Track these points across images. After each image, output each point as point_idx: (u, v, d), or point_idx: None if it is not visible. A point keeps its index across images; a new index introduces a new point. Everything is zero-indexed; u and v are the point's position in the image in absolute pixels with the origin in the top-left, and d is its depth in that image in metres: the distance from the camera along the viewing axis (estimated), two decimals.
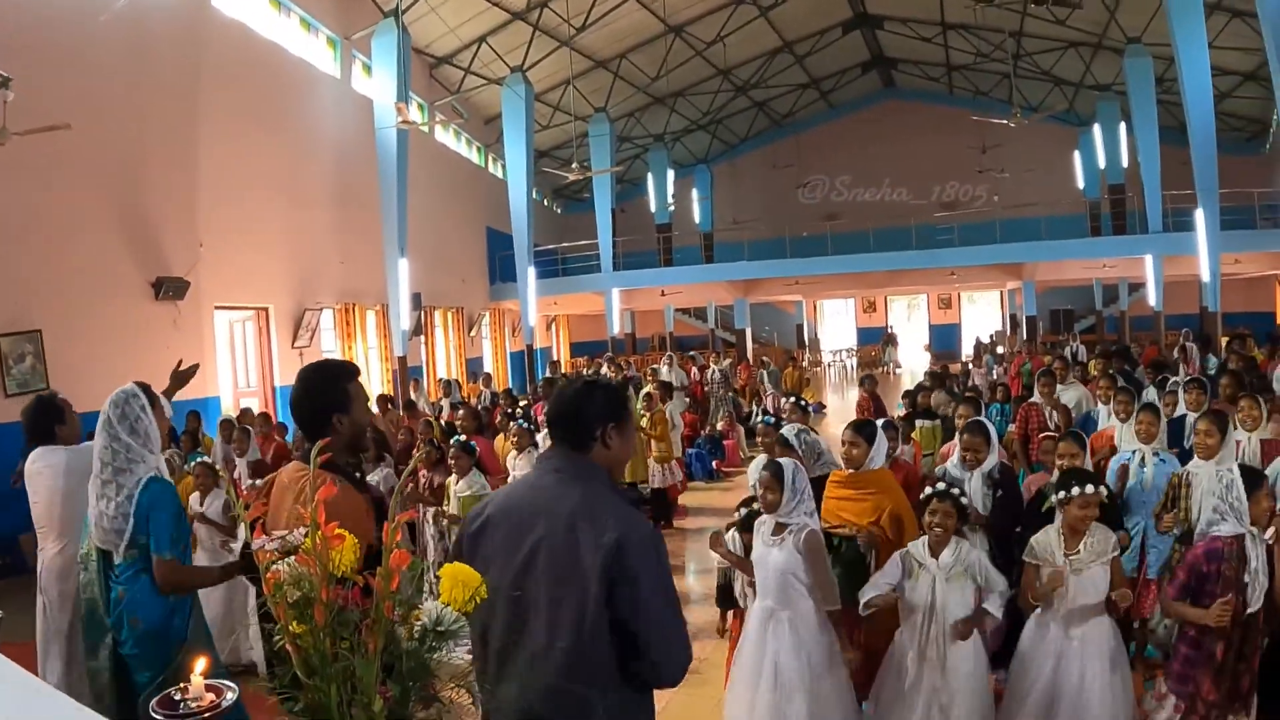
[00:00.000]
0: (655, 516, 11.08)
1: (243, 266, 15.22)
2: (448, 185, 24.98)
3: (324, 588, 1.90)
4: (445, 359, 24.61)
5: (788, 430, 5.98)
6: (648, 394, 11.99)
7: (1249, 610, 4.03)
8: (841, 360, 36.59)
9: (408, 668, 1.93)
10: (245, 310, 16.05)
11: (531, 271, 24.72)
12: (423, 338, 22.12)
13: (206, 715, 1.87)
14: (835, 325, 41.21)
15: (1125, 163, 26.95)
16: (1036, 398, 9.04)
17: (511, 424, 8.79)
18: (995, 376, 15.90)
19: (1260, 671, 4.19)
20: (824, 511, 5.01)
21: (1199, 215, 21.20)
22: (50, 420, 4.94)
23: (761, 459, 6.28)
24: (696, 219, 34.17)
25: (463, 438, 7.53)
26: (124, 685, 3.90)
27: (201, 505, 6.74)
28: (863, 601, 4.36)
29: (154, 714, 1.87)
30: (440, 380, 20.25)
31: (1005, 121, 21.26)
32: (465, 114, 25.03)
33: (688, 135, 34.22)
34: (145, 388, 4.04)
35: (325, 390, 3.09)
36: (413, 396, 15.99)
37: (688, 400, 16.92)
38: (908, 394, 11.78)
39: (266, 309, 16.29)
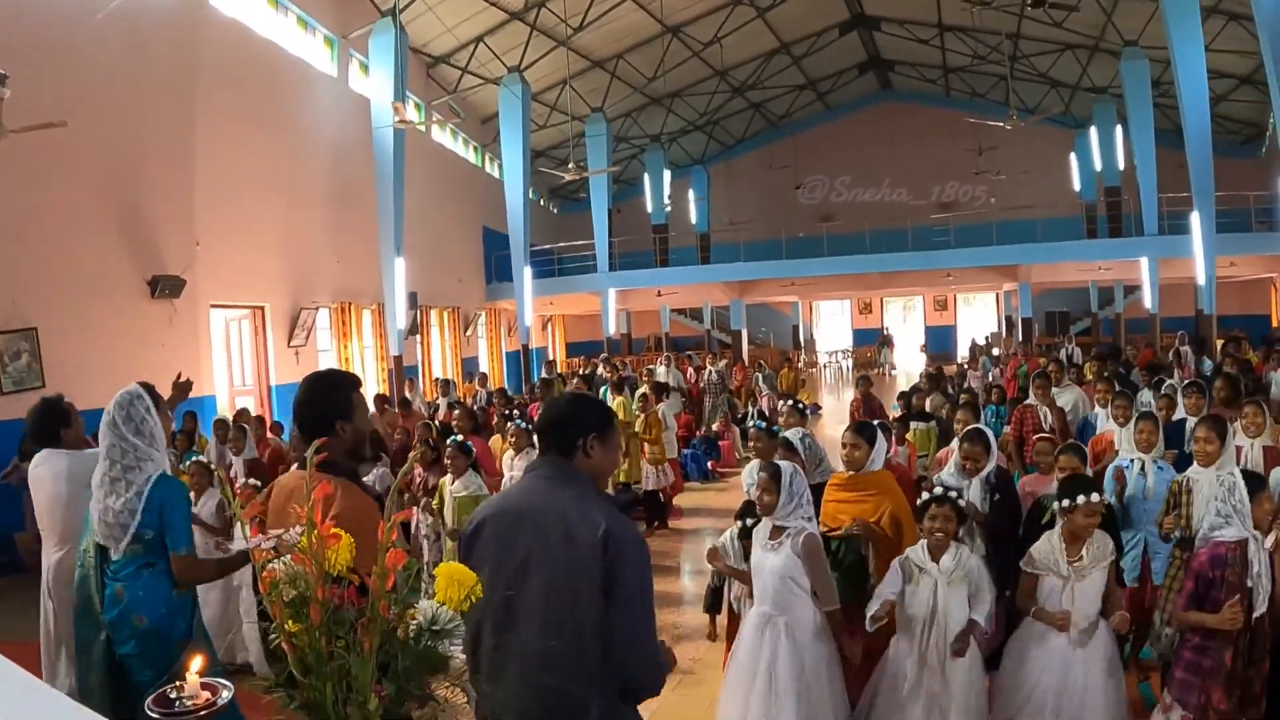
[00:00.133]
0: (649, 518, 11.10)
1: (239, 265, 15.21)
2: (444, 185, 24.97)
3: (319, 586, 1.90)
4: (441, 358, 24.60)
5: (792, 434, 5.98)
6: (643, 395, 11.99)
7: (1254, 614, 4.01)
8: (837, 361, 36.61)
9: (403, 667, 1.94)
10: (241, 309, 16.04)
11: (527, 271, 24.71)
12: (419, 337, 22.11)
13: (202, 713, 1.87)
14: (831, 326, 41.19)
15: (1121, 165, 26.98)
16: (1032, 399, 9.05)
17: (509, 424, 8.78)
18: (991, 379, 15.92)
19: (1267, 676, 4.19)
20: (824, 514, 5.01)
21: (1194, 218, 21.25)
22: (56, 423, 4.98)
23: (755, 464, 6.26)
24: (693, 219, 34.16)
25: (459, 438, 7.52)
26: (115, 685, 3.90)
27: (196, 505, 6.71)
28: (869, 615, 4.31)
29: (149, 712, 1.88)
30: (436, 380, 20.24)
31: (1001, 124, 21.29)
32: (462, 113, 25.06)
33: (684, 136, 34.24)
34: (149, 388, 4.06)
35: (330, 398, 3.18)
36: (408, 395, 15.98)
37: (683, 400, 16.94)
38: (903, 395, 11.81)
39: (262, 308, 16.29)
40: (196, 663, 1.90)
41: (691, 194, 34.13)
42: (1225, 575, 4.01)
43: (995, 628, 5.03)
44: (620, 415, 11.37)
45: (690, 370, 20.98)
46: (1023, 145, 29.65)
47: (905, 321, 40.07)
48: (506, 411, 11.06)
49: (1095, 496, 4.25)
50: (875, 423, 5.98)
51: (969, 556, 4.42)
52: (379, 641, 1.92)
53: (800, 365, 29.82)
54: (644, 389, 12.69)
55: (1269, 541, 4.18)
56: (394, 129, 17.47)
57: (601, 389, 14.89)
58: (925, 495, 4.50)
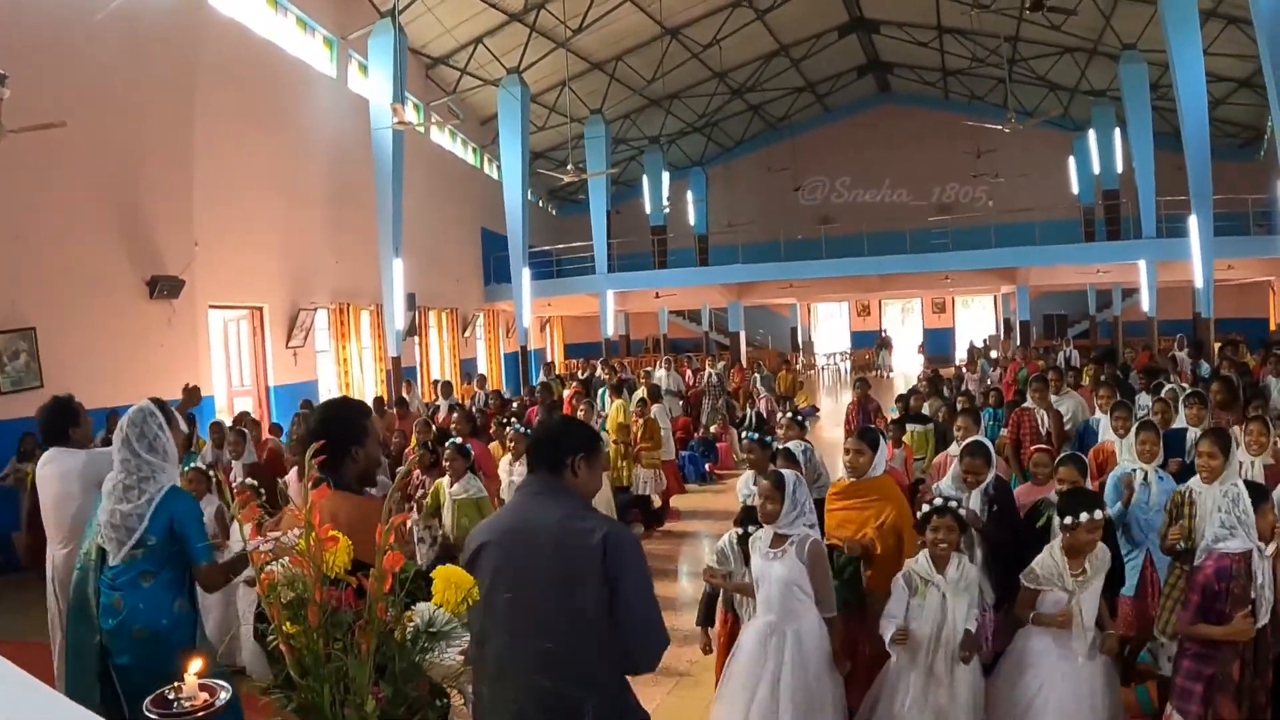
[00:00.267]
0: (645, 521, 11.12)
1: (238, 266, 15.21)
2: (443, 186, 24.98)
3: (317, 589, 1.91)
4: (440, 360, 24.61)
5: (794, 445, 5.97)
6: (641, 399, 12.00)
7: (1257, 625, 3.99)
8: (835, 364, 36.63)
9: (400, 669, 1.95)
10: (240, 309, 16.04)
11: (526, 273, 24.72)
12: (417, 338, 22.11)
13: (200, 714, 1.88)
14: (829, 328, 41.21)
15: (1120, 168, 26.99)
16: (1029, 403, 9.04)
17: (509, 429, 8.78)
18: (990, 382, 15.92)
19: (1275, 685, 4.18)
20: (828, 524, 4.97)
21: (1193, 221, 21.28)
22: (65, 422, 4.98)
23: (750, 474, 6.23)
24: (691, 221, 34.14)
25: (458, 440, 7.51)
26: (106, 690, 3.91)
27: None
28: (888, 640, 4.26)
29: (148, 713, 1.89)
30: (435, 381, 20.25)
31: (1000, 127, 21.31)
32: (461, 115, 25.06)
33: (683, 137, 34.25)
34: (161, 404, 4.15)
35: (348, 424, 3.31)
36: (405, 396, 15.97)
37: (680, 403, 16.95)
38: (901, 398, 11.81)
39: (261, 308, 16.28)
40: (195, 664, 1.91)
41: (690, 196, 34.11)
42: (1230, 588, 3.99)
43: (993, 637, 5.04)
44: (619, 419, 11.38)
45: (688, 372, 21.00)
46: (1021, 148, 29.64)
47: (904, 324, 40.08)
48: (504, 419, 11.07)
49: (1098, 514, 4.22)
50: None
51: (969, 566, 4.42)
52: (376, 643, 1.93)
53: (798, 367, 29.84)
54: (641, 392, 12.71)
55: (1270, 551, 4.16)
56: (393, 130, 17.47)
57: (600, 391, 14.89)
58: (926, 506, 4.44)
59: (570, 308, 31.80)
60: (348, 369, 18.70)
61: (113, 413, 9.56)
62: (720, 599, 5.22)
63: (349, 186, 18.72)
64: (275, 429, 12.69)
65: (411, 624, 1.99)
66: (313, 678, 1.92)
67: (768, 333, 37.65)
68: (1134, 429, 6.02)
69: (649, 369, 20.42)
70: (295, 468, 7.49)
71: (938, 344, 36.38)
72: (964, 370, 19.82)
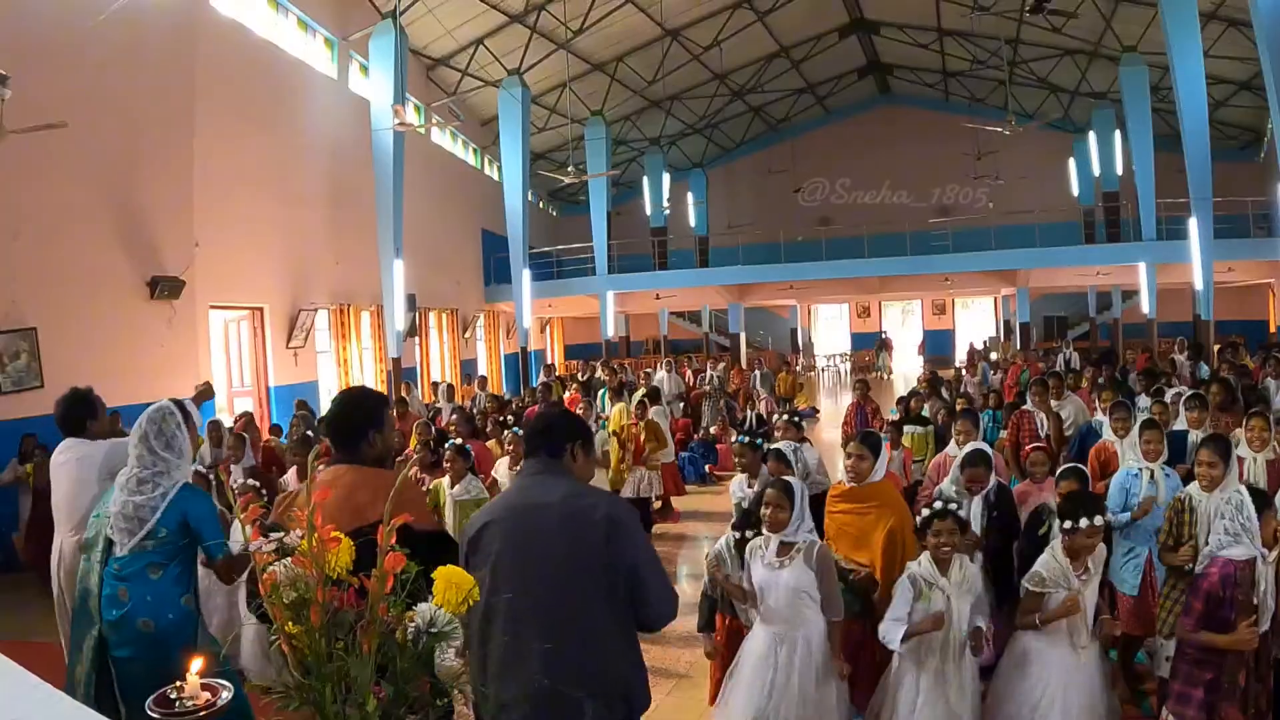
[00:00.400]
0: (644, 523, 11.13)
1: (238, 266, 15.22)
2: (443, 187, 24.99)
3: (319, 589, 1.92)
4: (440, 361, 24.61)
5: (784, 446, 5.95)
6: (641, 401, 12.00)
7: (1261, 631, 3.98)
8: (835, 365, 36.63)
9: (401, 668, 1.96)
10: (240, 310, 16.04)
11: (526, 274, 24.74)
12: (417, 339, 22.12)
13: (202, 714, 1.89)
14: (829, 330, 41.23)
15: (1120, 170, 27.01)
16: (1029, 405, 9.04)
17: (507, 432, 8.78)
18: (990, 384, 15.91)
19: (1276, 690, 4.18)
20: (827, 528, 4.95)
21: (1193, 223, 21.30)
22: (83, 413, 5.08)
23: (740, 479, 6.18)
24: (692, 223, 34.17)
25: (458, 441, 7.50)
26: (101, 681, 3.94)
27: None
28: (896, 642, 4.19)
29: (150, 712, 1.89)
30: (434, 383, 20.26)
31: (1000, 129, 21.32)
32: (462, 116, 25.05)
33: (684, 139, 34.27)
34: (180, 404, 4.24)
35: (367, 409, 3.53)
36: (404, 397, 15.97)
37: (682, 404, 16.98)
38: (902, 400, 11.82)
39: (261, 309, 16.29)
40: (197, 663, 1.92)
41: (690, 197, 34.13)
42: (1235, 595, 3.96)
43: (993, 640, 5.03)
44: (620, 420, 11.37)
45: (689, 373, 21.01)
46: (1021, 150, 29.60)
47: (904, 325, 40.09)
48: (501, 419, 11.07)
49: (1098, 520, 4.20)
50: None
51: (970, 565, 4.40)
52: (378, 643, 1.94)
53: (798, 369, 29.84)
54: (641, 393, 12.71)
55: (1272, 557, 4.13)
56: (394, 131, 17.48)
57: (600, 392, 14.91)
58: (926, 510, 4.39)
59: (571, 309, 31.82)
60: (348, 370, 18.71)
61: (113, 413, 9.57)
62: (719, 602, 5.19)
63: (350, 187, 18.73)
64: (275, 430, 12.70)
65: (412, 624, 2.00)
66: (315, 677, 1.93)
67: (768, 334, 37.65)
68: (1137, 428, 5.96)
69: (648, 370, 20.44)
70: (295, 468, 7.51)
71: (938, 346, 36.38)
72: (964, 372, 19.82)
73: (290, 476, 7.54)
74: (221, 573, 4.06)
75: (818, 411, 22.47)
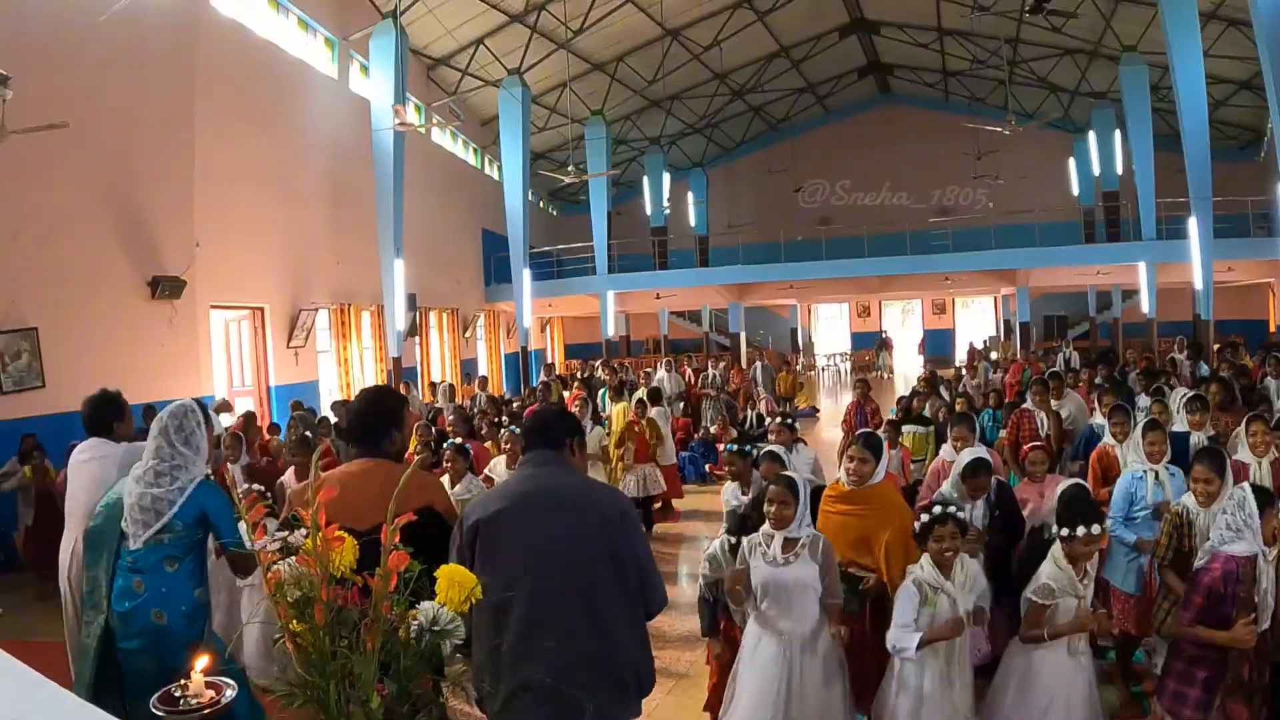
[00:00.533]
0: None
1: (239, 266, 15.23)
2: (444, 186, 25.00)
3: (324, 588, 1.93)
4: (440, 360, 24.62)
5: (777, 448, 5.92)
6: (640, 401, 12.01)
7: (1260, 630, 3.96)
8: (835, 364, 36.63)
9: (405, 665, 1.97)
10: (241, 310, 16.05)
11: (527, 273, 24.75)
12: (418, 339, 22.13)
13: (206, 712, 1.90)
14: (829, 330, 41.25)
15: (1120, 170, 26.99)
16: (1029, 404, 9.03)
17: (504, 431, 8.78)
18: (990, 383, 15.91)
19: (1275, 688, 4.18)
20: (822, 527, 4.88)
21: (1192, 223, 21.30)
22: (110, 415, 5.15)
23: (733, 486, 6.09)
24: (692, 222, 34.18)
25: (458, 441, 7.50)
26: (102, 672, 3.97)
27: None
28: (911, 649, 4.07)
29: (154, 710, 1.90)
30: (431, 383, 20.27)
31: (1000, 128, 21.33)
32: (462, 115, 25.07)
33: (684, 139, 34.27)
34: (200, 405, 4.38)
35: (392, 408, 3.76)
36: (404, 397, 15.99)
37: (682, 404, 16.98)
38: (902, 400, 11.82)
39: (262, 309, 16.30)
40: (201, 661, 1.93)
41: (690, 197, 34.15)
42: (1236, 591, 3.94)
43: (989, 638, 5.03)
44: (621, 419, 11.39)
45: (689, 372, 21.01)
46: (1021, 150, 29.57)
47: (904, 325, 40.11)
48: (497, 419, 11.07)
49: (1095, 529, 4.17)
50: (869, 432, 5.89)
51: (970, 563, 4.38)
52: (381, 641, 1.95)
53: (798, 368, 29.84)
54: (641, 393, 12.72)
55: (1273, 555, 4.12)
56: (394, 130, 17.49)
57: (600, 392, 14.92)
58: (925, 516, 4.32)
59: (571, 308, 31.81)
60: (349, 369, 18.72)
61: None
62: (718, 606, 5.14)
63: (350, 187, 18.74)
64: (273, 429, 12.71)
65: (415, 622, 2.01)
66: (319, 675, 1.94)
67: (768, 333, 37.64)
68: (1140, 429, 5.91)
69: (648, 370, 20.44)
70: (293, 468, 7.51)
71: (938, 345, 36.38)
72: (964, 372, 19.83)
73: (288, 477, 7.53)
74: (238, 563, 4.14)
75: (817, 411, 22.49)
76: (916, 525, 4.39)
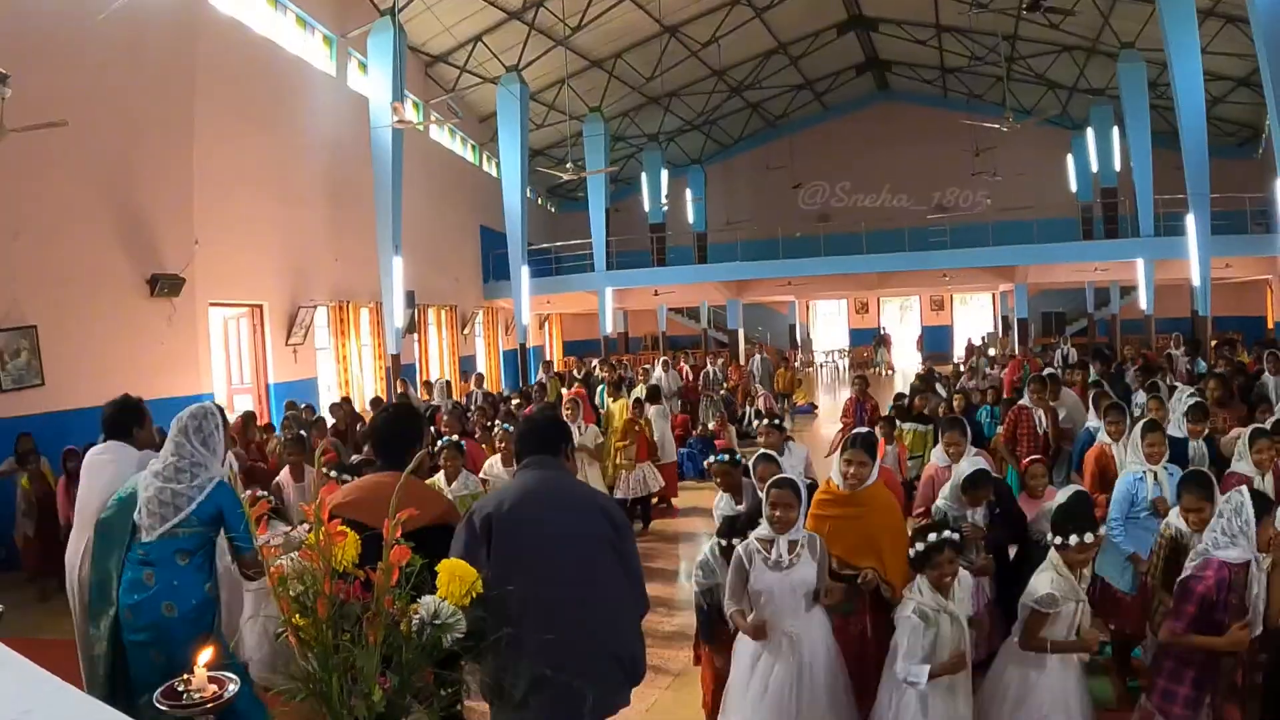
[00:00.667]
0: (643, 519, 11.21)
1: (237, 263, 15.23)
2: (442, 183, 25.00)
3: (326, 582, 1.95)
4: (439, 357, 24.63)
5: (769, 451, 5.90)
6: (638, 400, 12.01)
7: (1253, 634, 3.96)
8: (834, 361, 36.65)
9: (406, 659, 2.00)
10: (240, 307, 16.05)
11: (525, 270, 24.77)
12: (416, 336, 22.14)
13: (209, 706, 1.92)
14: (827, 326, 41.26)
15: (1118, 166, 27.00)
16: (1026, 401, 9.03)
17: (498, 429, 8.77)
18: (988, 380, 15.92)
19: (1265, 693, 4.19)
20: (813, 529, 4.85)
21: (1190, 220, 21.31)
22: (130, 420, 5.14)
23: (725, 497, 6.04)
24: (690, 219, 34.19)
25: (454, 438, 7.50)
26: (118, 659, 4.02)
27: None
28: (925, 680, 4.07)
29: (157, 704, 1.92)
30: (424, 381, 20.27)
31: (998, 125, 21.33)
32: (460, 112, 25.07)
33: (682, 135, 34.23)
34: (220, 409, 4.49)
35: (417, 428, 4.07)
36: (405, 394, 16.00)
37: (679, 402, 17.00)
38: (898, 398, 11.83)
39: (261, 306, 16.31)
40: (204, 655, 1.95)
41: (689, 193, 34.15)
42: (1229, 598, 3.93)
43: (988, 634, 5.05)
44: (621, 416, 11.40)
45: (685, 369, 21.03)
46: (1020, 146, 29.55)
47: (902, 321, 40.11)
48: (489, 422, 11.07)
49: (1088, 537, 4.17)
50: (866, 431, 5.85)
51: (963, 575, 4.39)
52: (383, 634, 1.97)
53: (797, 365, 29.85)
54: (638, 392, 12.74)
55: (1267, 563, 4.11)
56: (392, 128, 17.49)
57: (599, 389, 14.94)
58: (920, 545, 4.29)
59: (569, 305, 31.81)
60: (347, 366, 18.73)
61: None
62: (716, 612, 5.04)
63: (348, 184, 18.74)
64: (269, 429, 12.69)
65: (416, 616, 2.04)
66: (322, 668, 1.96)
67: (766, 330, 37.63)
68: (1138, 430, 5.87)
69: (647, 366, 20.45)
70: (288, 467, 7.53)
71: (936, 342, 36.41)
72: (961, 368, 19.85)
73: (283, 478, 7.54)
74: (249, 565, 4.19)
75: (816, 407, 22.51)
76: (912, 551, 4.35)
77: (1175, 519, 4.80)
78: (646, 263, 30.86)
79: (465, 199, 26.98)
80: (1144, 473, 5.67)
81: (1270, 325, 29.00)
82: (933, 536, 4.26)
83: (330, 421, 12.35)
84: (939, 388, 13.01)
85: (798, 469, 6.05)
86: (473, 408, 13.98)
